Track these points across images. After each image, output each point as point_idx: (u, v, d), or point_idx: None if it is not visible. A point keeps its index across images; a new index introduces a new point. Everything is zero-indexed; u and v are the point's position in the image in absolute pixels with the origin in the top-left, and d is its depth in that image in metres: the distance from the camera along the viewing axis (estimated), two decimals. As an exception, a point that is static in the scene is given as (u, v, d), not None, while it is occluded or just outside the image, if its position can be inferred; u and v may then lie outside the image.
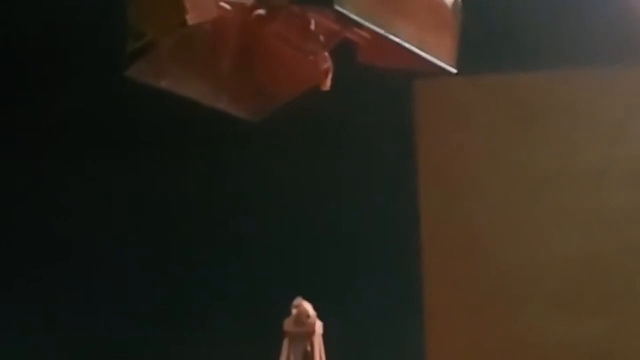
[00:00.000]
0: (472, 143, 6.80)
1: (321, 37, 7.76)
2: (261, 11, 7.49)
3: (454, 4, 7.95)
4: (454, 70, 7.84)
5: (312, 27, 7.66)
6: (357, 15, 7.38)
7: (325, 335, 18.64)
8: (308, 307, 18.91)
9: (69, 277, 17.55)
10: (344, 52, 7.76)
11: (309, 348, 18.69)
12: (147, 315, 19.12)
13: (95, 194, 17.89)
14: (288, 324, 18.85)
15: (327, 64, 7.75)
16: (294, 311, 18.85)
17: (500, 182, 6.64)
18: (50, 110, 16.89)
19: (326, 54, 7.71)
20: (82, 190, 17.77)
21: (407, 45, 7.62)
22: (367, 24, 7.44)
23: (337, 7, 7.04)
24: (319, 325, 19.20)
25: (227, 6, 7.46)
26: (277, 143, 16.99)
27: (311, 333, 18.99)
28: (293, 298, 18.45)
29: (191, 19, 7.21)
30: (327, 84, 7.66)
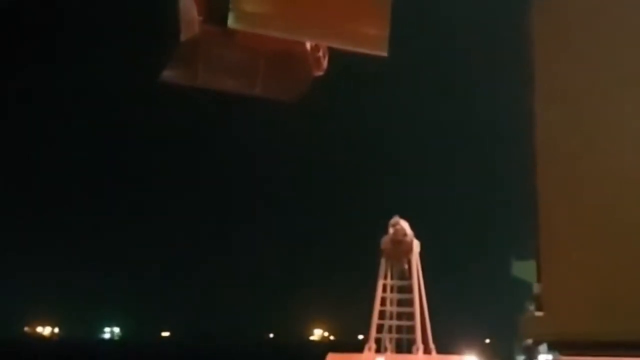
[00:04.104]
0: (594, 48, 6.62)
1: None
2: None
3: None
4: (385, 55, 8.77)
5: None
6: (254, 28, 8.40)
7: (422, 254, 18.90)
8: (405, 225, 19.10)
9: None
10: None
11: (406, 266, 18.96)
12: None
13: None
14: (386, 243, 19.11)
15: (319, 53, 9.22)
16: (391, 230, 19.08)
17: (620, 88, 6.45)
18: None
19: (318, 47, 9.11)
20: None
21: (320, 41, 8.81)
22: (268, 33, 8.40)
23: (231, 26, 8.17)
24: (416, 244, 19.39)
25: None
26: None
27: (408, 251, 19.23)
28: (390, 217, 18.70)
29: (183, 36, 8.68)
30: (321, 70, 9.27)
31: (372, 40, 8.35)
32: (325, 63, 9.31)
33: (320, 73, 9.33)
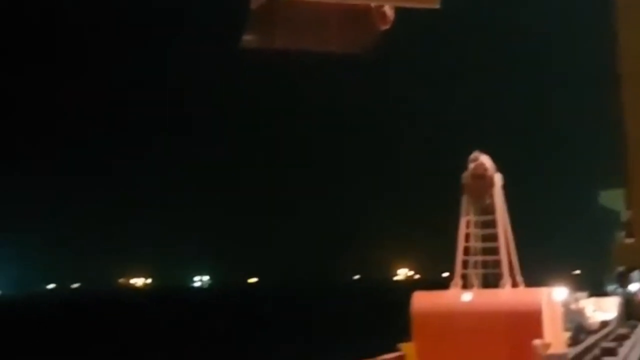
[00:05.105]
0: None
1: None
2: None
3: None
4: (437, 7, 9.87)
5: None
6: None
7: (506, 188, 18.51)
8: (486, 160, 18.71)
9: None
10: None
11: (489, 201, 18.64)
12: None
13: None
14: (466, 179, 18.77)
15: (384, 8, 9.98)
16: (471, 165, 18.71)
17: None
18: None
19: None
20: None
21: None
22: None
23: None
24: (498, 178, 19.00)
25: None
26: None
27: (490, 186, 18.85)
28: (470, 152, 18.33)
29: (253, 4, 9.48)
30: (387, 24, 10.06)
31: None
32: (391, 17, 9.97)
33: (387, 27, 10.03)
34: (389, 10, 10.00)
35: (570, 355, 12.14)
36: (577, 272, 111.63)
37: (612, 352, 14.97)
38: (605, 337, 17.38)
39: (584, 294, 28.22)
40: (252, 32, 9.69)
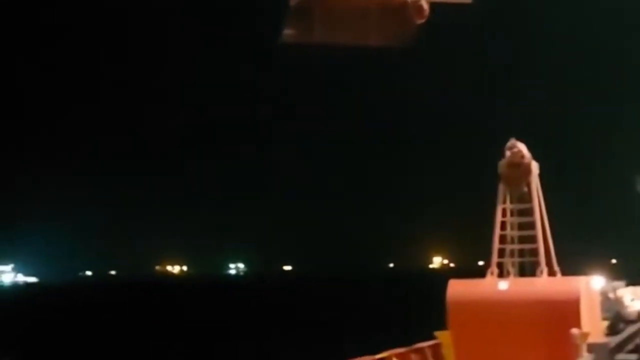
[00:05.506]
0: None
1: None
2: None
3: None
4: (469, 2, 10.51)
5: None
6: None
7: (542, 176, 18.40)
8: (522, 147, 18.59)
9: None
10: None
11: (525, 189, 18.53)
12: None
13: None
14: (503, 167, 18.68)
15: (420, 2, 10.46)
16: (508, 153, 18.61)
17: None
18: None
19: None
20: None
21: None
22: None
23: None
24: (534, 166, 18.88)
25: None
26: None
27: (527, 174, 18.73)
28: (507, 140, 18.22)
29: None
30: (423, 17, 10.55)
31: None
32: (427, 11, 10.43)
33: (422, 20, 10.52)
34: (425, 4, 10.40)
35: (612, 345, 12.07)
36: (614, 261, 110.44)
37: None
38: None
39: (622, 283, 27.91)
40: (291, 27, 10.11)
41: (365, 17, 10.19)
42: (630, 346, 13.30)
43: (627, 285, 28.66)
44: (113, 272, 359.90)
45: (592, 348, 11.11)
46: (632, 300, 26.46)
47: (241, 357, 50.44)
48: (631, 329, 16.04)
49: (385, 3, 10.17)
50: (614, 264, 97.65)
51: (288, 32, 10.13)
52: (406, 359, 16.23)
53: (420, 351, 16.93)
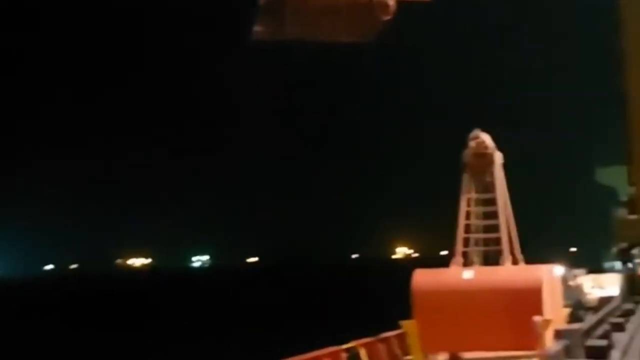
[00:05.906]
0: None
1: None
2: None
3: None
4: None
5: None
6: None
7: (505, 166, 18.54)
8: (486, 138, 18.73)
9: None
10: None
11: (489, 179, 18.69)
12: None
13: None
14: (467, 157, 18.81)
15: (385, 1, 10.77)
16: (472, 143, 18.73)
17: None
18: None
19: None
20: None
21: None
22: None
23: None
24: (498, 156, 19.04)
25: None
26: None
27: (490, 164, 18.88)
28: (470, 130, 18.35)
29: None
30: (388, 14, 10.83)
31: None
32: (392, 8, 10.74)
33: (389, 17, 10.83)
34: (390, 2, 10.70)
35: (582, 330, 12.34)
36: (574, 249, 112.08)
37: (620, 327, 15.17)
38: (611, 313, 17.55)
39: (582, 270, 28.37)
40: (262, 24, 10.29)
41: (334, 14, 10.44)
42: (599, 332, 13.58)
43: (587, 273, 29.14)
44: (74, 266, 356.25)
45: (564, 334, 11.33)
46: (592, 287, 26.92)
47: (200, 350, 50.25)
48: (600, 315, 16.37)
49: (352, 1, 10.50)
50: (574, 253, 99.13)
51: (258, 29, 10.34)
52: (373, 349, 16.31)
53: (386, 340, 17.04)
